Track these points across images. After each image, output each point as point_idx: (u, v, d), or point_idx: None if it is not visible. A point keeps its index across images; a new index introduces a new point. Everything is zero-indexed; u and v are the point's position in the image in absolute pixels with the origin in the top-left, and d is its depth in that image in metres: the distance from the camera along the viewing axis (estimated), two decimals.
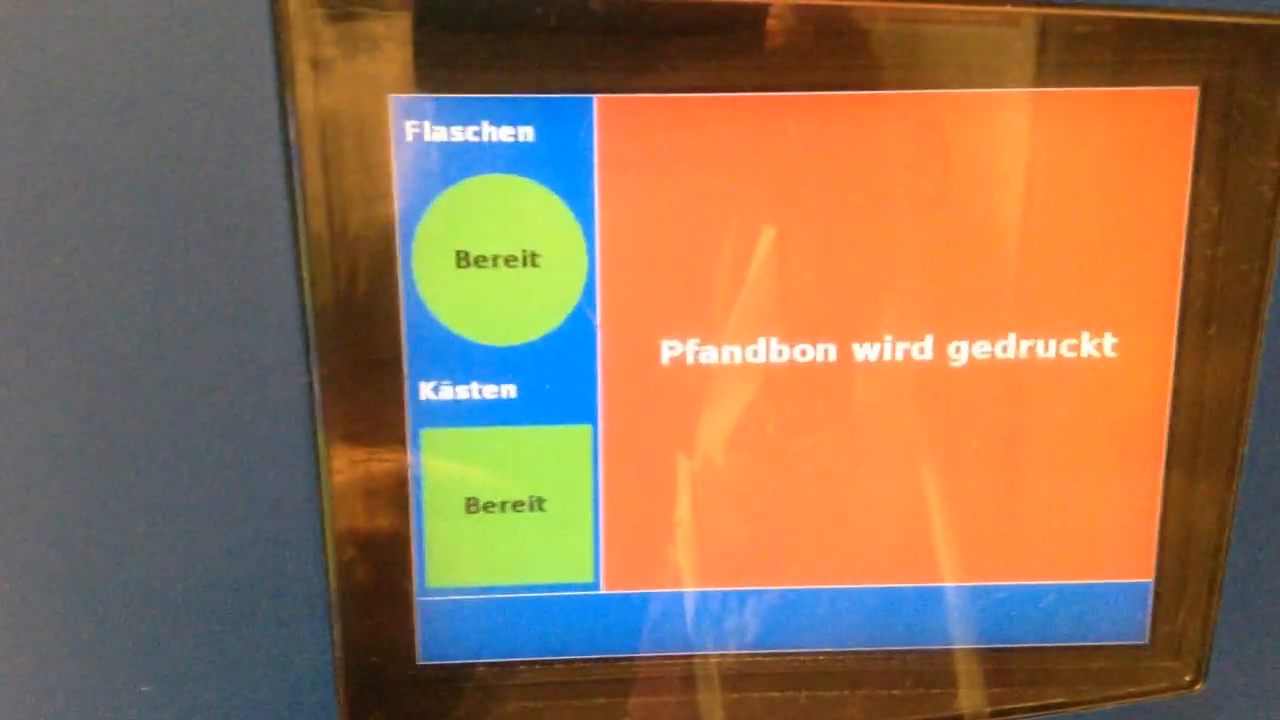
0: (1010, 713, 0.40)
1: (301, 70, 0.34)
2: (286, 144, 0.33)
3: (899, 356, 0.39)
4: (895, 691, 0.41)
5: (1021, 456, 0.40)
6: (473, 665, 0.41)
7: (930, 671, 0.41)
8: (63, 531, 0.35)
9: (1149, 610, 0.41)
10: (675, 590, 0.41)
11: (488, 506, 0.40)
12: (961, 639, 0.41)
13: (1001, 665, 0.41)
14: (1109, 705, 0.40)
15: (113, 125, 0.32)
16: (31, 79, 0.32)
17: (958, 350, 0.39)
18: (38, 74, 0.32)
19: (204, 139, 0.32)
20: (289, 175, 0.33)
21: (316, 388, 0.34)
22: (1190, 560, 0.41)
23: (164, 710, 0.36)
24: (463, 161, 0.37)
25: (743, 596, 0.41)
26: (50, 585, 0.35)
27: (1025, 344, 0.39)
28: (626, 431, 0.39)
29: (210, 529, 0.35)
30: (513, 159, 0.37)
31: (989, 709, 0.40)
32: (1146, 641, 0.42)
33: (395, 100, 0.36)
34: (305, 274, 0.34)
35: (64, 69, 0.32)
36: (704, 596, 0.41)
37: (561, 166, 0.37)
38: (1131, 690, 0.41)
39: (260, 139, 0.33)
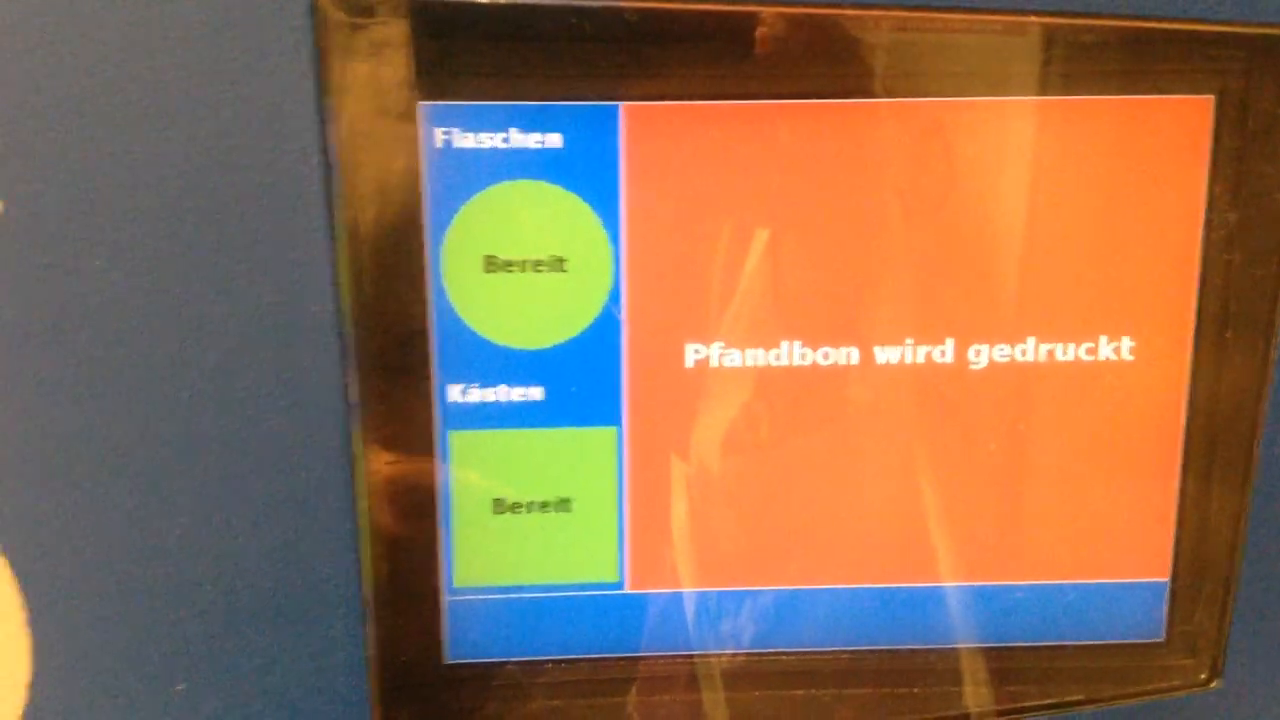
0: (1028, 710, 0.41)
1: (335, 78, 0.34)
2: (325, 150, 0.33)
3: (920, 359, 0.39)
4: (916, 689, 0.41)
5: (1039, 458, 0.41)
6: (499, 664, 0.41)
7: (950, 669, 0.42)
8: (99, 532, 0.35)
9: (1165, 609, 0.42)
10: (700, 590, 0.41)
11: (514, 507, 0.40)
12: (981, 637, 0.42)
13: (1020, 663, 0.42)
14: (1126, 703, 0.41)
15: (154, 133, 0.33)
16: (71, 83, 0.32)
17: (977, 354, 0.39)
18: (78, 78, 0.32)
19: (244, 146, 0.33)
20: (327, 181, 0.33)
21: (352, 390, 0.35)
22: (1206, 559, 0.41)
23: (199, 709, 0.37)
24: (491, 168, 0.37)
25: (766, 596, 0.41)
26: (86, 585, 0.36)
27: (1044, 347, 0.39)
28: (651, 433, 0.40)
29: (245, 529, 0.36)
30: (540, 165, 0.37)
31: (1009, 706, 0.41)
32: (1163, 639, 0.42)
33: (425, 107, 0.37)
34: (342, 278, 0.34)
35: (107, 85, 0.32)
36: (728, 596, 0.41)
37: (588, 173, 0.38)
38: (1148, 688, 0.41)
39: (300, 145, 0.33)
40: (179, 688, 0.36)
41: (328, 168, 0.34)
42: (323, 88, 0.33)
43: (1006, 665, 0.42)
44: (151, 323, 0.34)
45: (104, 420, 0.35)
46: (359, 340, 0.36)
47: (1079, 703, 0.41)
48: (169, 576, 0.36)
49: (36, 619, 0.36)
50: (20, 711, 0.36)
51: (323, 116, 0.33)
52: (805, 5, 0.36)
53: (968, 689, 0.41)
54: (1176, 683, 0.42)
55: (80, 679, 0.36)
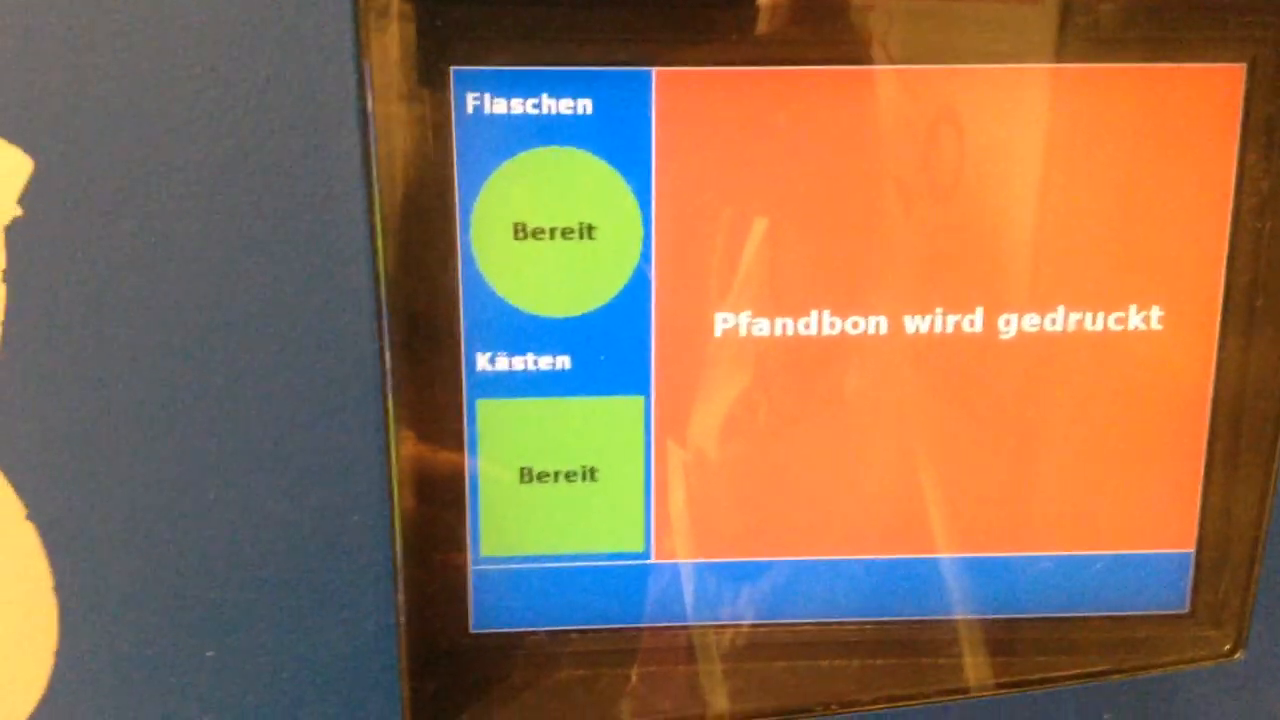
0: (1052, 680, 0.41)
1: (367, 44, 0.34)
2: (364, 116, 0.33)
3: (949, 329, 0.39)
4: (943, 660, 0.41)
5: (1066, 428, 0.41)
6: (525, 633, 0.41)
7: (976, 640, 0.42)
8: (127, 499, 0.35)
9: (1190, 580, 0.42)
10: (726, 560, 0.41)
11: (541, 476, 0.40)
12: (1006, 609, 0.42)
13: (1044, 634, 0.42)
14: (1149, 674, 0.41)
15: (192, 100, 0.33)
16: (106, 44, 0.32)
17: (1007, 323, 0.39)
18: (113, 40, 0.32)
19: (282, 111, 0.33)
20: (365, 148, 0.33)
21: (387, 357, 0.35)
22: (1231, 531, 0.41)
23: (228, 675, 0.37)
24: (522, 134, 0.37)
25: (791, 567, 0.41)
26: (114, 552, 0.35)
27: (1074, 317, 0.39)
28: (679, 402, 0.40)
29: (275, 496, 0.35)
30: (571, 131, 0.37)
31: (1033, 676, 0.41)
32: (1187, 611, 0.42)
33: (457, 72, 0.36)
34: (378, 244, 0.34)
35: (143, 52, 0.32)
36: (754, 566, 0.41)
37: (619, 139, 0.37)
38: (1172, 659, 0.41)
39: (337, 112, 0.33)
40: (208, 654, 0.36)
41: (366, 134, 0.33)
42: (363, 52, 0.33)
43: (1030, 636, 0.42)
44: (185, 290, 0.34)
45: (134, 389, 0.34)
46: (392, 309, 0.36)
47: (1102, 673, 0.41)
48: (198, 543, 0.35)
49: (64, 586, 0.35)
50: (47, 678, 0.36)
51: (361, 83, 0.33)
52: None
53: (993, 659, 0.41)
54: (1200, 654, 0.42)
55: (108, 646, 0.36)
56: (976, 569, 0.42)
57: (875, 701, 0.40)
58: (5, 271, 0.33)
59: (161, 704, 0.36)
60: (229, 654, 0.36)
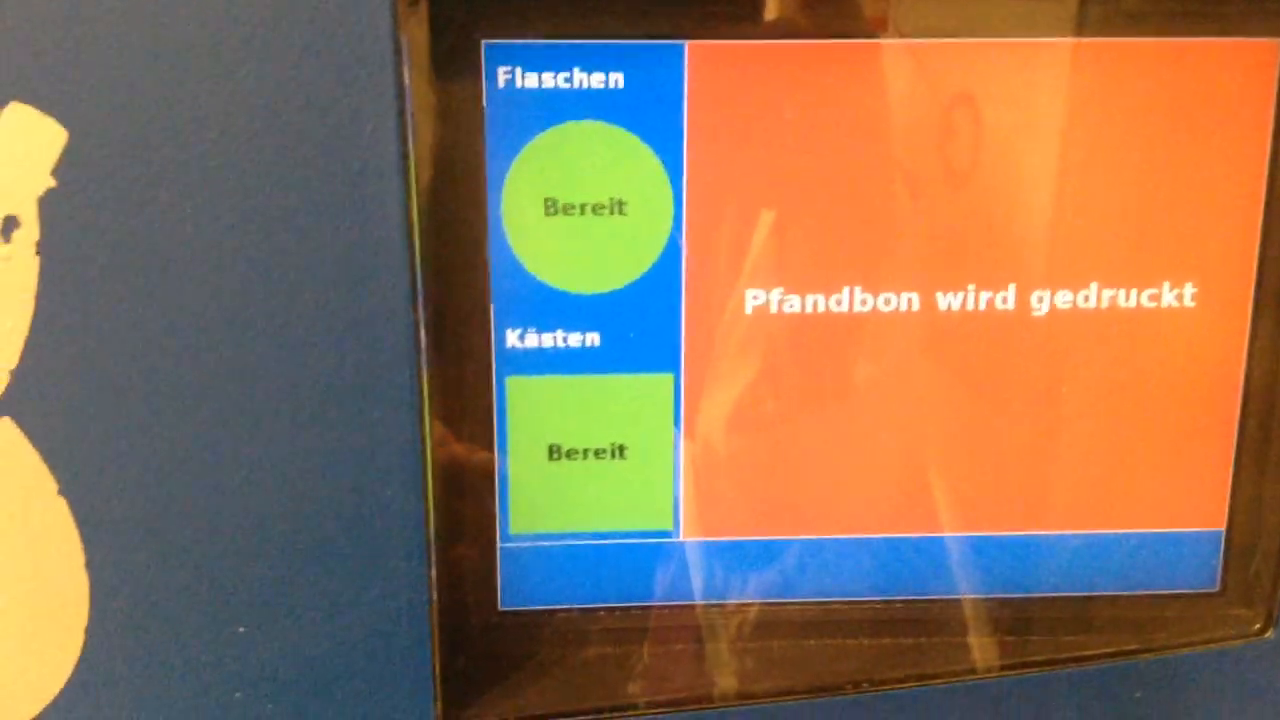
0: (1082, 659, 0.41)
1: (403, 18, 0.34)
2: (399, 88, 0.33)
3: (981, 306, 0.39)
4: (972, 639, 0.41)
5: (1098, 406, 0.40)
6: (552, 611, 0.41)
7: (1007, 619, 0.41)
8: (159, 473, 0.35)
9: (1220, 558, 0.42)
10: (756, 538, 0.41)
11: (570, 454, 0.40)
12: (1036, 587, 0.42)
13: (1073, 613, 0.42)
14: (1179, 653, 0.41)
15: (228, 75, 0.32)
16: (141, 15, 0.32)
17: (1040, 300, 0.39)
18: (149, 8, 0.32)
19: (319, 82, 0.33)
20: (400, 120, 0.33)
21: (421, 335, 0.35)
22: (1263, 509, 0.41)
23: (259, 652, 0.36)
24: (553, 108, 0.37)
25: (820, 546, 0.41)
26: (145, 527, 0.35)
27: (1107, 294, 0.39)
28: (709, 380, 0.39)
29: (309, 471, 0.35)
30: (603, 106, 0.37)
31: (1062, 655, 0.41)
32: (1218, 589, 0.42)
33: (488, 46, 0.36)
34: (411, 220, 0.34)
35: (179, 26, 0.32)
36: (785, 545, 0.41)
37: (651, 113, 0.37)
38: (1202, 637, 0.41)
39: (374, 88, 0.33)
40: (239, 630, 0.36)
41: (401, 109, 0.33)
42: (399, 27, 0.33)
43: (1060, 615, 0.42)
44: (218, 262, 0.34)
45: (167, 363, 0.34)
46: (421, 285, 0.36)
47: (1132, 652, 0.41)
48: (231, 518, 0.35)
49: (95, 561, 0.35)
50: (76, 656, 0.36)
51: (397, 57, 0.33)
52: None
53: (1024, 638, 0.41)
54: (1230, 633, 0.41)
55: (139, 623, 0.36)
56: (1007, 547, 0.41)
57: (906, 680, 0.40)
58: (39, 243, 0.33)
59: (192, 680, 0.36)
60: (260, 630, 0.36)
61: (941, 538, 0.41)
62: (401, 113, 0.33)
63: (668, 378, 0.40)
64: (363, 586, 0.36)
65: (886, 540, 0.41)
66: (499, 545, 0.40)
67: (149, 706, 0.36)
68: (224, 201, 0.33)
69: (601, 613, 0.41)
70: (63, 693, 0.36)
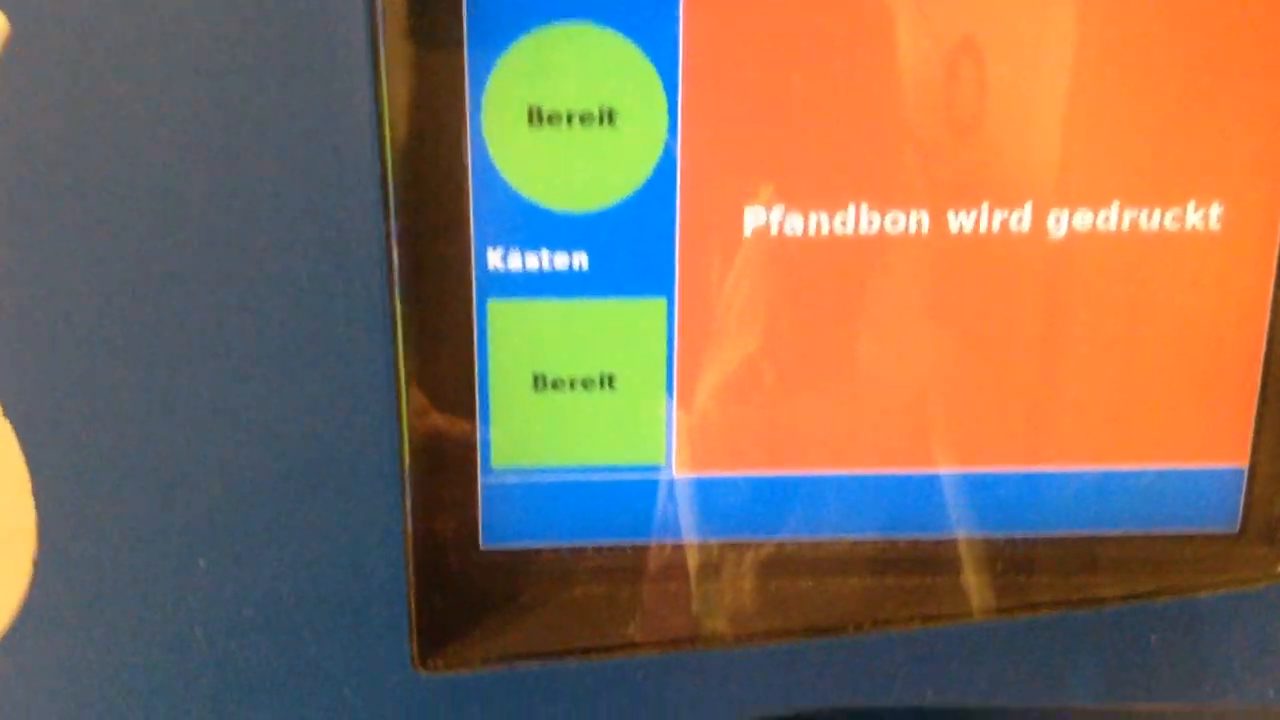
0: (1098, 601, 0.39)
1: None
2: None
3: (995, 227, 0.37)
4: (978, 578, 0.39)
5: (1116, 336, 0.38)
6: (536, 550, 0.39)
7: (1020, 557, 0.40)
8: (113, 393, 0.33)
9: (1242, 497, 0.40)
10: (751, 474, 0.39)
11: (555, 383, 0.38)
12: (1049, 525, 0.40)
13: (1087, 552, 0.40)
14: (1198, 594, 0.39)
15: None
16: None
17: (1057, 220, 0.37)
18: None
19: None
20: (372, 21, 0.31)
21: (394, 253, 0.32)
22: None
23: (221, 588, 0.34)
24: (537, 8, 0.34)
25: (822, 482, 0.39)
26: (99, 452, 0.33)
27: (1129, 214, 0.37)
28: (704, 305, 0.37)
29: (276, 395, 0.33)
30: (591, 5, 0.34)
31: (1077, 596, 0.39)
32: (1238, 530, 0.40)
33: None
34: (384, 131, 0.32)
35: None
36: (782, 481, 0.39)
37: (643, 14, 0.35)
38: (1221, 579, 0.40)
39: None
40: (199, 563, 0.34)
41: (372, 7, 0.31)
42: None
43: (1074, 554, 0.40)
44: (182, 171, 0.31)
45: (122, 283, 0.32)
46: (395, 200, 0.34)
47: (1149, 594, 0.39)
48: (191, 446, 0.33)
49: (43, 489, 0.33)
50: (25, 587, 0.34)
51: None
52: None
53: (1036, 578, 0.40)
54: (1251, 575, 0.40)
55: (91, 555, 0.34)
56: (1016, 484, 0.39)
57: (910, 621, 0.38)
58: None
59: (149, 615, 0.34)
60: (222, 565, 0.34)
61: (948, 474, 0.39)
62: (373, 11, 0.31)
63: (660, 303, 0.37)
64: (333, 521, 0.34)
65: (890, 477, 0.39)
66: (480, 479, 0.38)
67: (102, 644, 0.34)
68: (188, 107, 0.31)
69: (589, 551, 0.39)
70: (10, 629, 0.34)
